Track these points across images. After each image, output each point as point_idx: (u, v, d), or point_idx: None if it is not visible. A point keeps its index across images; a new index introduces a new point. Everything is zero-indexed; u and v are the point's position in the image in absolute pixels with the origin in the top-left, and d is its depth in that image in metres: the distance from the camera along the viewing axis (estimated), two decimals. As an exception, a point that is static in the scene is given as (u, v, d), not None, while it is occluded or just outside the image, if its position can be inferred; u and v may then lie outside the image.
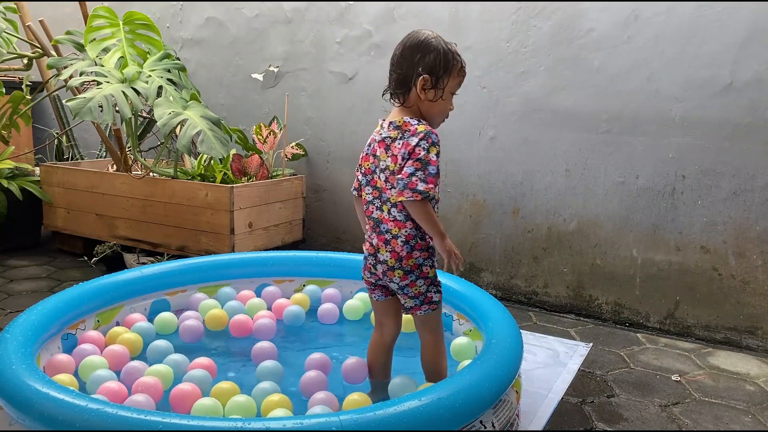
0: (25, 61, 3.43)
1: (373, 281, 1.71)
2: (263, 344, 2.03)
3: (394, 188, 1.60)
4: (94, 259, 3.16)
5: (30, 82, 3.58)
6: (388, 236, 1.62)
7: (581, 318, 2.80)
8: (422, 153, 1.56)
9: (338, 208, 3.47)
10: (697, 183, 2.54)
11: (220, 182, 3.11)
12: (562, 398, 1.97)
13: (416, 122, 1.61)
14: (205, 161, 3.25)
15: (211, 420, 1.26)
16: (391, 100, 1.69)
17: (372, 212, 1.67)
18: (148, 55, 3.20)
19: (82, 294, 2.04)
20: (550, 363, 2.24)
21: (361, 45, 3.26)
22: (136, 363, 1.83)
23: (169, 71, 3.20)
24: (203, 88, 3.76)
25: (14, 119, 3.39)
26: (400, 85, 1.64)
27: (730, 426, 1.86)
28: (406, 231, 1.62)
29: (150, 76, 3.02)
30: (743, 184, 2.45)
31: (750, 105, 2.41)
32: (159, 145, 3.51)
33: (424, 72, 1.60)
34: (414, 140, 1.57)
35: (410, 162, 1.56)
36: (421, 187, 1.54)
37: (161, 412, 1.28)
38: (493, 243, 3.02)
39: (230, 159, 3.20)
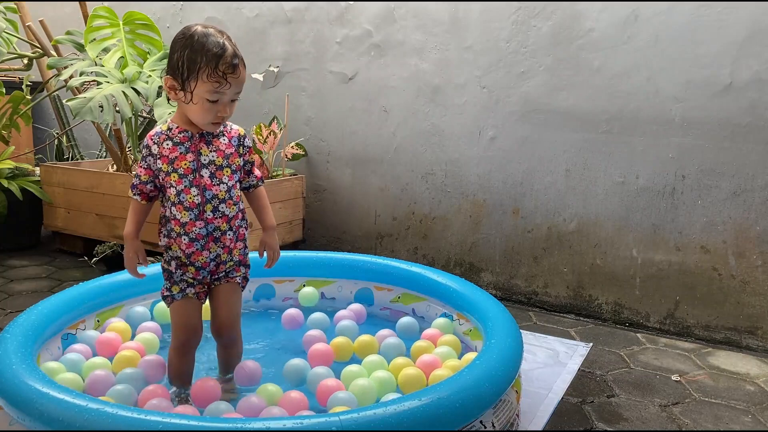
0: (25, 61, 3.43)
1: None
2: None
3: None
4: (94, 259, 3.16)
5: (30, 82, 3.59)
6: None
7: (581, 318, 2.80)
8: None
9: (338, 208, 3.46)
10: (697, 183, 2.54)
11: (220, 182, 3.11)
12: (562, 398, 1.97)
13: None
14: (205, 161, 3.25)
15: (211, 420, 1.26)
16: None
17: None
18: (148, 55, 3.20)
19: (82, 294, 2.04)
20: (550, 363, 2.24)
21: (361, 45, 3.26)
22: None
23: (169, 71, 3.19)
24: (203, 88, 3.76)
25: (14, 119, 3.39)
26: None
27: (730, 426, 1.86)
28: None
29: (150, 76, 3.01)
30: (743, 184, 2.45)
31: (750, 105, 2.41)
32: (159, 145, 3.50)
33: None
34: None
35: None
36: None
37: (161, 413, 1.28)
38: (493, 243, 3.02)
39: (230, 159, 3.19)
